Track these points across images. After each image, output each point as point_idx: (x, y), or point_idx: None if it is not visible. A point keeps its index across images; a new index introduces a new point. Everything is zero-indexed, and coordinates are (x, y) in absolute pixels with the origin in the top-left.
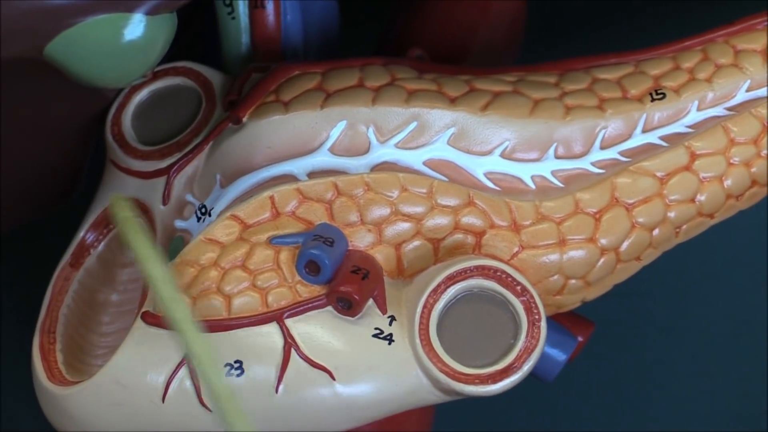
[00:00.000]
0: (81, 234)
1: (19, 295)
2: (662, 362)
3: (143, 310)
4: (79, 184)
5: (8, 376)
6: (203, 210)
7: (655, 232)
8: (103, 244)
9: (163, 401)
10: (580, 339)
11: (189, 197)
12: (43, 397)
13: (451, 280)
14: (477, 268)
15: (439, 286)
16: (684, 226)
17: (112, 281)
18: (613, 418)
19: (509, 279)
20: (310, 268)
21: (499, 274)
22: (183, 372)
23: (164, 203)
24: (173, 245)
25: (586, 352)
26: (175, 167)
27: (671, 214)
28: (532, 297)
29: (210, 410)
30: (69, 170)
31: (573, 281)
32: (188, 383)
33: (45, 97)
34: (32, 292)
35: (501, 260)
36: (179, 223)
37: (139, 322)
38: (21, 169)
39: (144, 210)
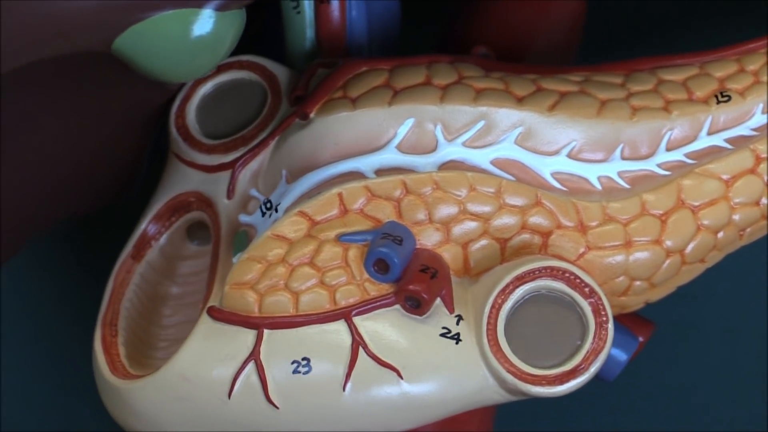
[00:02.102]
0: (143, 226)
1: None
2: (726, 363)
3: (209, 305)
4: (140, 177)
5: (8, 377)
6: (268, 205)
7: (720, 234)
8: (165, 236)
9: (229, 397)
10: (641, 339)
11: (254, 192)
12: (106, 391)
13: (520, 280)
14: (545, 269)
15: (507, 286)
16: (748, 229)
17: (173, 274)
18: (672, 419)
19: (577, 280)
20: (379, 266)
21: (567, 275)
22: (250, 368)
23: (229, 197)
24: (237, 240)
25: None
26: (241, 162)
27: (736, 217)
28: (599, 299)
29: (277, 407)
30: (130, 162)
31: (638, 283)
32: (255, 380)
33: (109, 88)
34: (33, 292)
35: (567, 261)
36: (244, 218)
37: (205, 317)
38: (83, 160)
39: (208, 204)
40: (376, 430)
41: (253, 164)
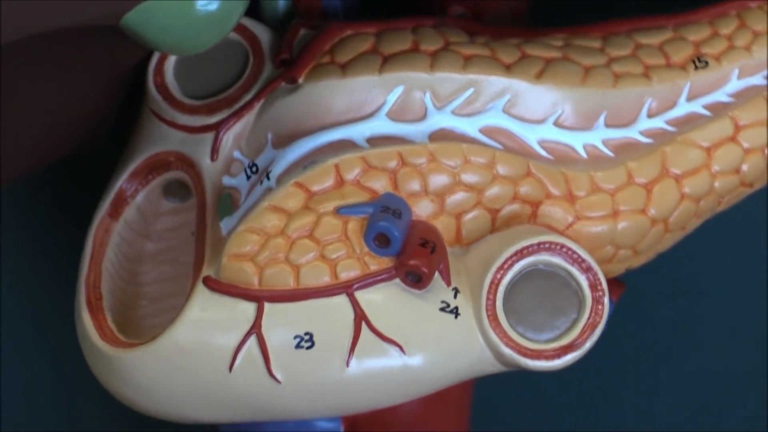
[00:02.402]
0: (119, 183)
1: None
2: (726, 363)
3: (204, 274)
4: (109, 128)
5: (8, 376)
6: (254, 169)
7: (701, 202)
8: (142, 194)
9: (230, 371)
10: (613, 300)
11: (237, 154)
12: (95, 358)
13: (518, 255)
14: (545, 243)
15: (506, 261)
16: (727, 197)
17: (149, 231)
18: (672, 419)
19: (575, 255)
20: (379, 240)
21: (565, 250)
22: (252, 341)
23: (212, 159)
24: (222, 202)
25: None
26: (226, 124)
27: (717, 185)
28: (596, 274)
29: (279, 381)
30: (103, 114)
31: (623, 251)
32: (257, 353)
33: (90, 48)
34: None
35: (556, 231)
36: (228, 180)
37: (201, 287)
38: (58, 109)
39: (189, 165)
40: (373, 403)
41: (237, 126)
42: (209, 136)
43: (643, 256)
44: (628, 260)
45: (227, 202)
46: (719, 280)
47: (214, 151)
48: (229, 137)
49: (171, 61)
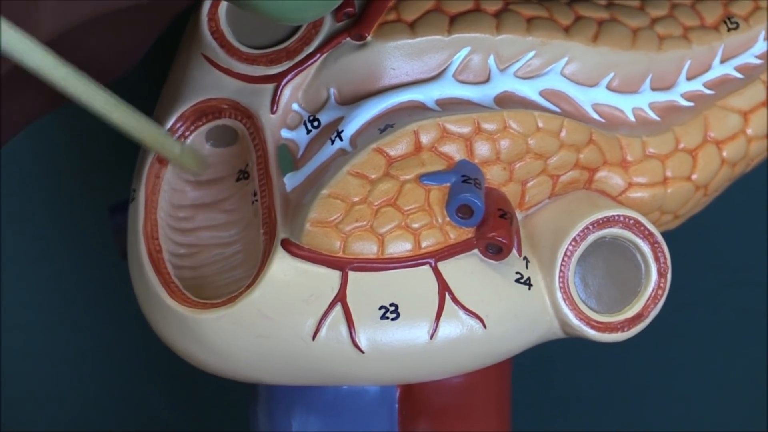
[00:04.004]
0: (168, 125)
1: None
2: (726, 363)
3: (282, 236)
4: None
5: (8, 376)
6: (315, 123)
7: (736, 167)
8: (190, 139)
9: (313, 339)
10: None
11: (295, 107)
12: (161, 315)
13: (590, 228)
14: (617, 217)
15: (579, 233)
16: (755, 160)
17: (188, 178)
18: (673, 419)
19: (642, 228)
20: (462, 211)
21: (633, 222)
22: (337, 311)
23: (272, 111)
24: (280, 153)
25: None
26: (289, 77)
27: (751, 149)
28: (661, 246)
29: (363, 351)
30: (137, 49)
31: (666, 216)
32: (342, 323)
33: None
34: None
35: (611, 196)
36: (286, 133)
37: (281, 252)
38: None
39: (246, 115)
40: (449, 371)
41: (297, 79)
42: (268, 87)
43: (681, 219)
44: (667, 224)
45: (285, 154)
46: (720, 280)
47: (274, 103)
48: (288, 89)
49: (224, 7)
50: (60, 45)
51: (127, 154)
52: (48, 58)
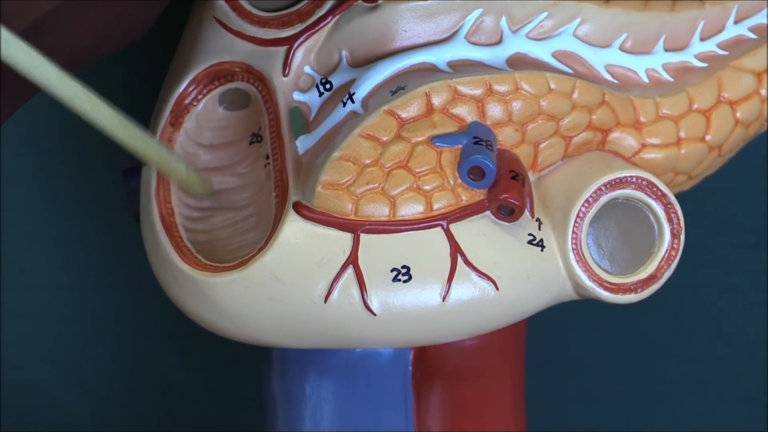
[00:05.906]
0: (178, 91)
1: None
2: (726, 363)
3: (293, 199)
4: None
5: (8, 376)
6: (327, 86)
7: (751, 128)
8: (202, 103)
9: (325, 302)
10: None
11: (307, 69)
12: (173, 278)
13: (603, 189)
14: (629, 178)
15: (592, 195)
16: None
17: (203, 139)
18: (673, 419)
19: (656, 189)
20: (474, 173)
21: (646, 183)
22: (349, 273)
23: (285, 74)
24: (293, 116)
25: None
26: (301, 39)
27: (765, 110)
28: (674, 208)
29: (375, 314)
30: (149, 13)
31: (680, 177)
32: (354, 285)
33: None
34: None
35: (624, 157)
36: (298, 96)
37: (293, 215)
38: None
39: (258, 78)
40: (462, 333)
41: (308, 41)
42: (280, 50)
43: (695, 180)
44: (681, 185)
45: (298, 117)
46: (720, 280)
47: (286, 66)
48: (300, 52)
49: None
50: (70, 8)
51: None
52: (54, 72)
